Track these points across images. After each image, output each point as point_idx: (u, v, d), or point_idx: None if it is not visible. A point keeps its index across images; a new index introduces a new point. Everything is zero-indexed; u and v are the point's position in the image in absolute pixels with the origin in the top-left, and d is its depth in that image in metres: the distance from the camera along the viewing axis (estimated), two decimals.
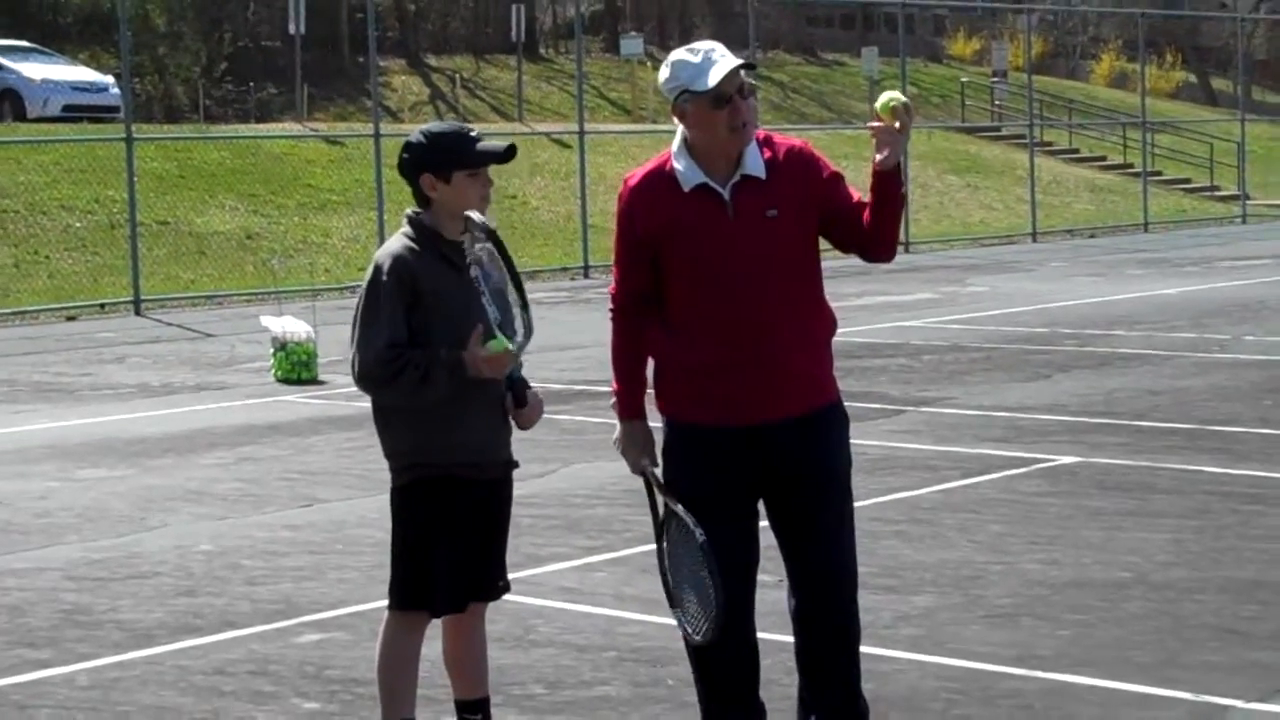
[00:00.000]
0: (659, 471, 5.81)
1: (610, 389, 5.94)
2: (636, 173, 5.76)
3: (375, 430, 6.03)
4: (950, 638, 7.66)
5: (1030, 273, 27.89)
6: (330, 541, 9.90)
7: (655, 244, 5.64)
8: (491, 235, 5.67)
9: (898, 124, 5.57)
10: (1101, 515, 10.10)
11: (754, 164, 5.64)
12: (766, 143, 5.71)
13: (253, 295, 25.25)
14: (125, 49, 26.48)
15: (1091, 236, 37.70)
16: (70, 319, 23.47)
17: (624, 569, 9.11)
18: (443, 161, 5.86)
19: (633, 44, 45.59)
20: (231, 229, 29.88)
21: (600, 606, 8.36)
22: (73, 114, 34.56)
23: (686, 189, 5.60)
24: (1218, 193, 46.67)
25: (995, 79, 53.38)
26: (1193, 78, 69.76)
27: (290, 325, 16.67)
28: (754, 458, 5.66)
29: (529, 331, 5.70)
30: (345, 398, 14.50)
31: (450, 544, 5.86)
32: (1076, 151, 49.38)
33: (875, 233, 5.69)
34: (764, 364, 5.61)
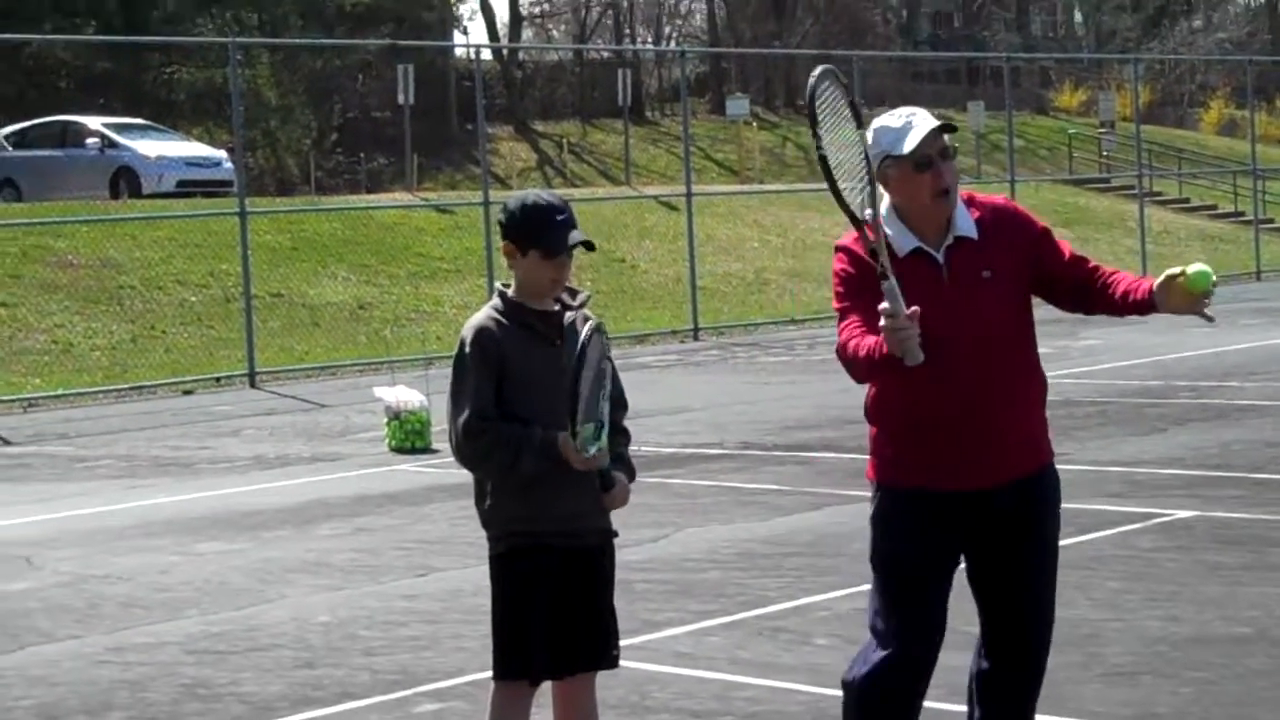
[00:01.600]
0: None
1: (862, 357, 5.60)
2: (844, 239, 5.72)
3: (474, 500, 6.09)
4: (1070, 696, 7.61)
5: (1142, 325, 27.67)
6: (446, 610, 9.95)
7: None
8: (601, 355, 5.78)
9: (1203, 299, 5.60)
10: (1220, 570, 10.01)
11: (965, 225, 5.67)
12: (971, 202, 5.74)
13: (366, 365, 25.43)
14: (237, 123, 26.81)
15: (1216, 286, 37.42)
16: (187, 393, 23.71)
17: (738, 633, 9.11)
18: (522, 236, 5.91)
19: (738, 105, 45.74)
20: (344, 299, 30.12)
21: (715, 671, 8.36)
22: (187, 189, 34.97)
23: (901, 255, 5.59)
24: None
25: (1102, 130, 53.14)
26: None
27: (403, 394, 16.79)
28: (970, 521, 5.70)
29: (597, 434, 5.76)
30: (458, 466, 14.53)
31: (544, 611, 5.89)
32: (1187, 201, 49.04)
33: (1105, 306, 5.75)
34: (983, 428, 5.64)
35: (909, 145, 5.55)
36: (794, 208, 40.86)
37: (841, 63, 53.69)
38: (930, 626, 5.78)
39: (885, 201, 5.67)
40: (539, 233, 5.87)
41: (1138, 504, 12.01)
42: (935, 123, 5.58)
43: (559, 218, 5.91)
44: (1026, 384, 5.76)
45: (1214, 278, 5.58)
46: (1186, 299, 5.57)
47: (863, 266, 5.55)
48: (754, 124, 51.44)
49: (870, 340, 5.51)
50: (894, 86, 63.14)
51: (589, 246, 5.94)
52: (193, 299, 28.67)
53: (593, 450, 5.72)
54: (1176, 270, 5.57)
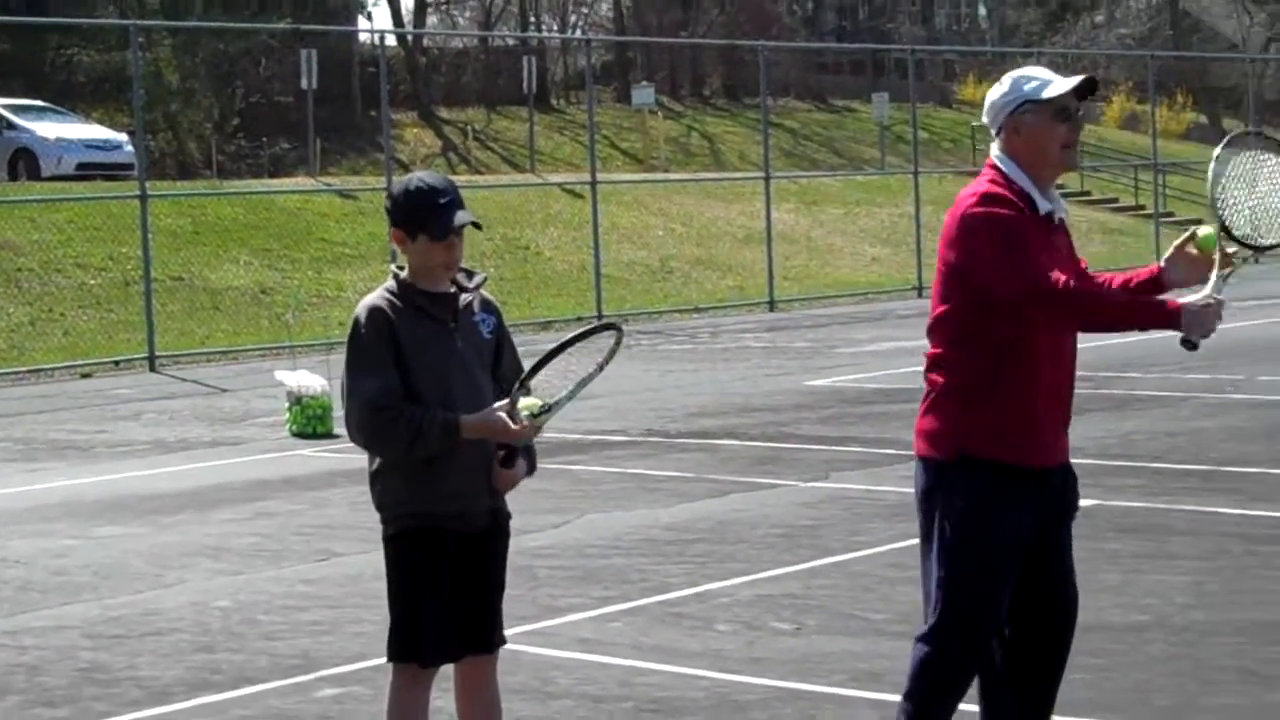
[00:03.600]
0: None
1: (1139, 324, 5.61)
2: (982, 189, 5.62)
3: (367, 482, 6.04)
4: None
5: None
6: (347, 595, 9.89)
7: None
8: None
9: (1216, 258, 5.66)
10: (1119, 558, 10.07)
11: (1060, 200, 5.75)
12: None
13: (267, 350, 25.28)
14: (138, 106, 26.58)
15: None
16: (85, 376, 23.49)
17: (641, 619, 9.09)
18: (407, 221, 5.86)
19: (644, 94, 45.72)
20: (245, 284, 29.94)
21: (618, 657, 8.34)
22: (87, 172, 34.66)
23: (1041, 212, 5.64)
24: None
25: None
26: (1203, 118, 69.81)
27: (305, 379, 16.69)
28: (1040, 498, 5.71)
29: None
30: (360, 450, 14.46)
31: (435, 594, 5.85)
32: (1088, 194, 49.40)
33: None
34: (1067, 404, 5.77)
35: (1052, 91, 5.63)
36: (699, 196, 40.91)
37: (747, 52, 53.84)
38: (1005, 612, 5.77)
39: (1002, 157, 5.66)
40: (425, 217, 5.82)
41: None
42: (1079, 78, 5.66)
43: (443, 200, 5.84)
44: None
45: (1216, 240, 5.68)
46: (1201, 263, 5.66)
47: (1019, 210, 5.54)
48: (659, 113, 51.44)
49: (1123, 295, 5.64)
50: (799, 77, 63.29)
51: (476, 226, 5.89)
52: (92, 282, 28.42)
53: (523, 416, 5.68)
54: (1183, 239, 5.69)
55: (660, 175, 45.24)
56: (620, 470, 14.05)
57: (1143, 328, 5.58)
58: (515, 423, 5.69)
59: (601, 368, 5.84)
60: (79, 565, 11.06)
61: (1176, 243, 5.74)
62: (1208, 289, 5.54)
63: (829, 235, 39.81)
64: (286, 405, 16.80)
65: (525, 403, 5.73)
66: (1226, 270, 5.64)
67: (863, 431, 15.32)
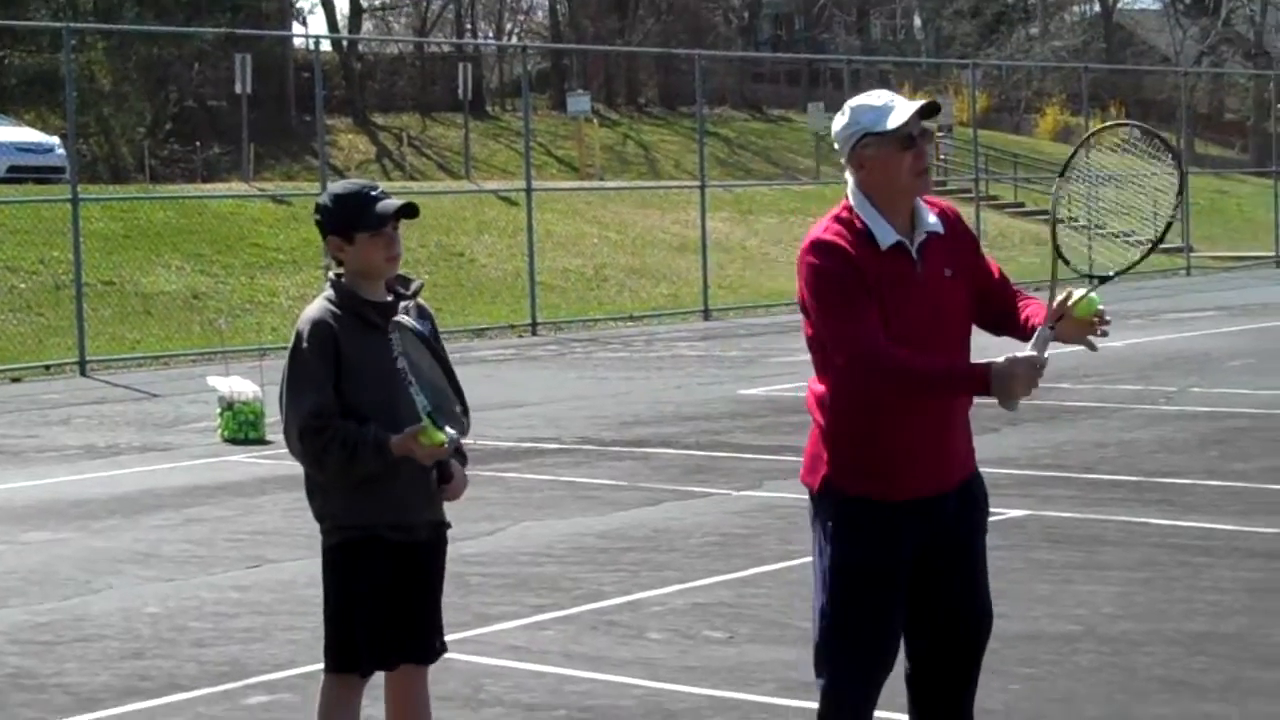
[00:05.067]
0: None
1: (946, 391, 5.50)
2: (820, 231, 5.52)
3: (306, 493, 6.01)
4: (900, 692, 7.62)
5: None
6: (278, 602, 9.84)
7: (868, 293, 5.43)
8: (425, 340, 5.62)
9: (1091, 327, 5.60)
10: (1050, 568, 10.11)
11: (931, 220, 5.56)
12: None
13: (199, 355, 25.14)
14: (71, 109, 26.41)
15: (1037, 289, 37.74)
16: (15, 381, 23.32)
17: (572, 627, 9.07)
18: (344, 223, 5.82)
19: (579, 101, 45.72)
20: (178, 289, 29.79)
21: (549, 665, 8.32)
22: (17, 175, 34.39)
23: (883, 247, 5.45)
24: (1162, 245, 46.84)
25: (940, 134, 53.61)
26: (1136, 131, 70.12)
27: (237, 385, 16.61)
28: (926, 525, 5.55)
29: (463, 430, 5.67)
30: (291, 457, 14.39)
31: (375, 604, 5.83)
32: (1022, 205, 49.63)
33: (1010, 328, 5.72)
34: (947, 432, 5.56)
35: (893, 122, 5.44)
36: (634, 205, 40.92)
37: (683, 61, 53.90)
38: (895, 639, 5.65)
39: (853, 191, 5.54)
40: (359, 213, 5.80)
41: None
42: (920, 103, 5.51)
43: (373, 193, 5.86)
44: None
45: (1099, 304, 5.58)
46: (1076, 326, 5.55)
47: (849, 261, 5.39)
48: (595, 121, 51.45)
49: (938, 361, 5.40)
50: (735, 87, 63.47)
51: (411, 210, 5.86)
52: (22, 285, 28.22)
53: (446, 436, 5.63)
54: (1062, 297, 5.54)
55: (595, 183, 45.24)
56: (554, 478, 14.03)
57: (956, 395, 5.49)
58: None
59: (445, 367, 5.72)
60: (6, 571, 10.97)
61: (1058, 299, 5.55)
62: (1028, 347, 5.42)
63: (764, 244, 39.87)
64: (218, 411, 16.70)
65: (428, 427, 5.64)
66: (1071, 301, 5.53)
67: (796, 441, 15.29)
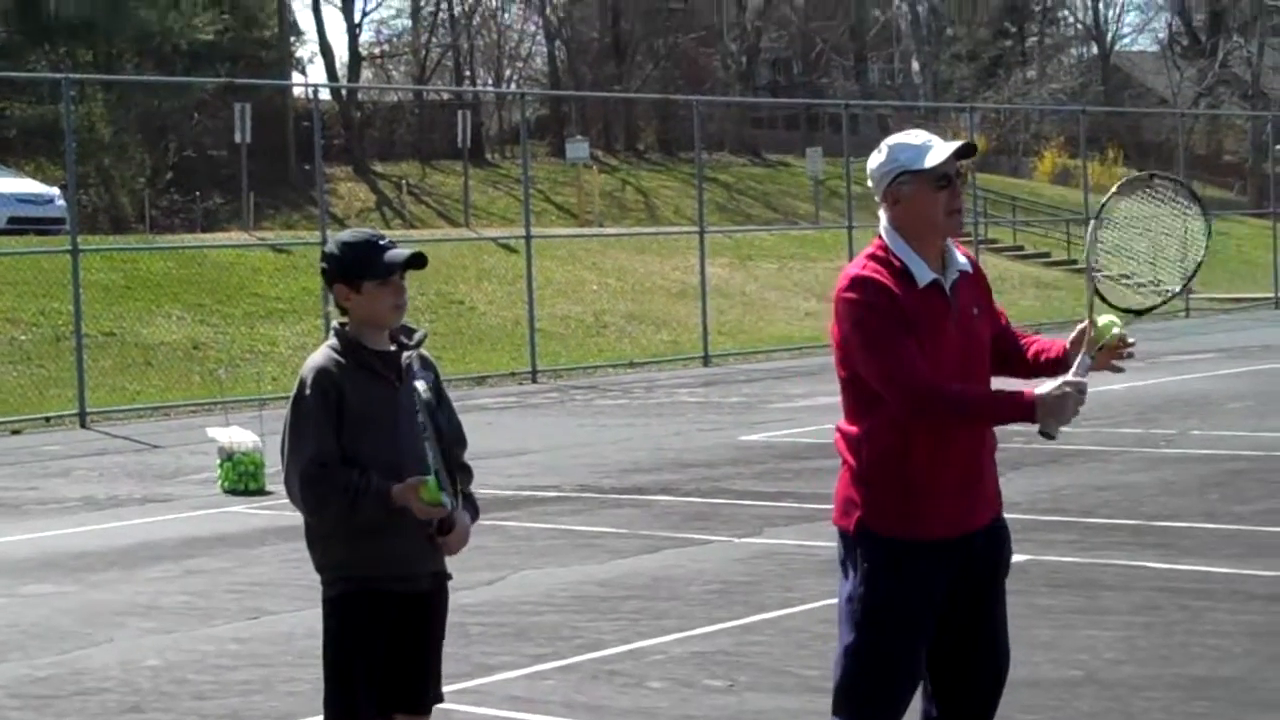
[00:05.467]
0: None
1: (996, 419, 5.57)
2: (858, 269, 5.58)
3: (306, 543, 6.01)
4: None
5: None
6: (279, 654, 9.82)
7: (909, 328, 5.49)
8: (419, 397, 5.63)
9: (1115, 350, 5.67)
10: (1051, 613, 10.09)
11: (962, 260, 5.67)
12: None
13: (199, 405, 25.14)
14: (71, 160, 26.44)
15: (1037, 332, 37.68)
16: (15, 433, 23.32)
17: (574, 676, 9.06)
18: (351, 271, 5.84)
19: (578, 148, 45.84)
20: (178, 339, 29.80)
21: (549, 715, 8.31)
22: (18, 226, 34.45)
23: (921, 284, 5.53)
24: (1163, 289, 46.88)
25: None
26: (1135, 173, 70.22)
27: (237, 435, 16.61)
28: (955, 566, 5.62)
29: (457, 501, 5.69)
30: (292, 508, 14.37)
31: (373, 655, 5.83)
32: (1021, 248, 49.71)
33: (1016, 368, 5.82)
34: (977, 470, 5.63)
35: (931, 161, 5.52)
36: (633, 251, 40.96)
37: (681, 107, 54.04)
38: (917, 681, 5.71)
39: (885, 226, 5.62)
40: (367, 262, 5.81)
41: None
42: (958, 143, 5.58)
43: (381, 242, 5.88)
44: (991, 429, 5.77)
45: (1119, 326, 5.63)
46: (1102, 352, 5.63)
47: (890, 297, 5.47)
48: (594, 167, 51.57)
49: (983, 390, 5.50)
50: (734, 131, 63.59)
51: (419, 260, 5.87)
52: (22, 337, 28.24)
53: (445, 501, 5.64)
54: (1084, 325, 5.64)
55: (594, 230, 45.29)
56: (553, 526, 14.02)
57: (1003, 423, 5.56)
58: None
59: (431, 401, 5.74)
60: (6, 624, 10.95)
61: (1080, 327, 5.67)
62: (1069, 374, 5.51)
63: (763, 290, 39.90)
64: (218, 462, 16.70)
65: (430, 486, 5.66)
66: (1103, 342, 5.60)
67: (797, 487, 15.33)
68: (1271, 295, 44.35)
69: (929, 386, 5.44)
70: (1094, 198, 46.84)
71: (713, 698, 8.58)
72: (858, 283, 5.53)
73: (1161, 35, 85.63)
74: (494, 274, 36.82)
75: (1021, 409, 5.44)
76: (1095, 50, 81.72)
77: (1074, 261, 46.97)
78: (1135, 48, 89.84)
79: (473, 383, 28.63)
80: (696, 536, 13.27)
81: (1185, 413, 20.13)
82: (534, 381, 29.20)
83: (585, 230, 45.15)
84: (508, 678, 9.09)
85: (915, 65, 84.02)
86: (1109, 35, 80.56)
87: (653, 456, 18.15)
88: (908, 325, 5.46)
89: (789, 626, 10.06)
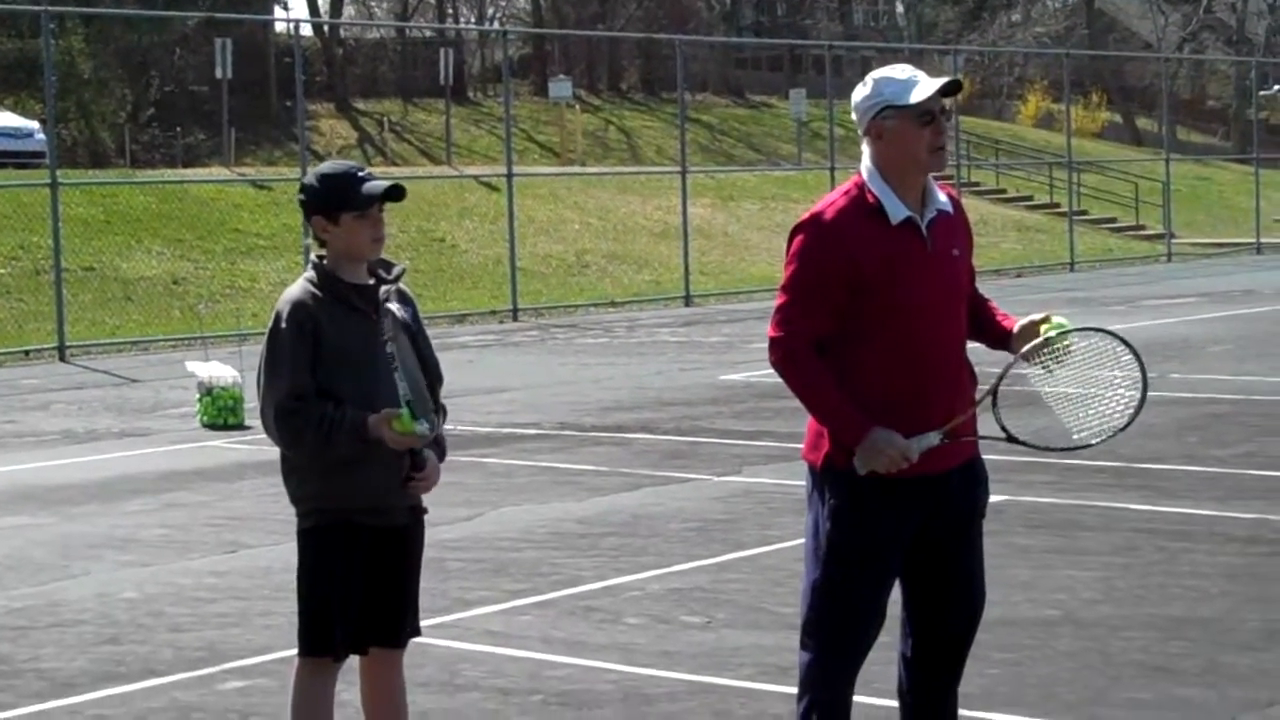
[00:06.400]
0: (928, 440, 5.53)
1: (820, 423, 5.58)
2: (825, 207, 5.55)
3: (281, 475, 5.98)
4: (878, 676, 7.61)
5: None
6: (256, 588, 9.81)
7: (857, 281, 5.44)
8: (407, 328, 5.60)
9: (1050, 340, 5.62)
10: (1030, 554, 10.10)
11: (942, 199, 5.61)
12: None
13: (179, 341, 25.09)
14: (50, 94, 26.30)
15: (1018, 276, 37.82)
16: None
17: (551, 612, 9.06)
18: (329, 203, 5.79)
19: (561, 87, 45.65)
20: (158, 274, 29.73)
21: (527, 650, 8.30)
22: None
23: (894, 222, 5.48)
24: (1143, 232, 47.00)
25: None
26: (1118, 118, 70.33)
27: (216, 370, 16.57)
28: (927, 505, 5.59)
29: (434, 428, 5.64)
30: (270, 442, 14.34)
31: (348, 589, 5.81)
32: (1003, 192, 49.65)
33: (972, 325, 5.76)
34: (949, 409, 5.56)
35: (916, 96, 5.46)
36: (615, 190, 40.89)
37: (665, 46, 53.85)
38: (883, 616, 5.70)
39: (866, 162, 5.57)
40: (345, 193, 5.77)
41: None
42: (943, 80, 5.52)
43: (360, 173, 5.84)
44: (970, 368, 5.72)
45: (1068, 330, 5.61)
46: (1036, 347, 5.62)
47: (835, 254, 5.44)
48: (577, 106, 51.39)
49: (834, 395, 5.46)
50: (717, 72, 63.41)
51: (398, 192, 5.83)
52: (1, 271, 28.15)
53: (420, 429, 5.60)
54: (1040, 317, 5.62)
55: (577, 169, 45.19)
56: (533, 464, 14.01)
57: (826, 427, 5.54)
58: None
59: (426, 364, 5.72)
60: None
61: (1033, 317, 5.64)
62: (920, 443, 5.45)
63: (745, 230, 39.86)
64: (197, 396, 16.67)
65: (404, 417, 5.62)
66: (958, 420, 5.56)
67: (776, 426, 15.32)
68: (1253, 240, 44.37)
69: (801, 356, 5.49)
70: (1076, 142, 46.87)
71: (689, 634, 8.58)
72: (816, 226, 5.53)
73: None
74: (475, 212, 36.74)
75: (849, 433, 5.45)
76: None
77: (1056, 205, 46.96)
78: None
79: (453, 320, 28.59)
80: (676, 475, 13.27)
81: (1165, 356, 20.13)
82: (515, 320, 29.17)
83: (567, 169, 45.05)
84: (485, 613, 9.08)
85: (899, 7, 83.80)
86: None
87: (633, 395, 18.14)
88: (845, 285, 5.43)
89: (766, 564, 10.06)
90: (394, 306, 5.65)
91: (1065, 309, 27.46)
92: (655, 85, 60.39)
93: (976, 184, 49.10)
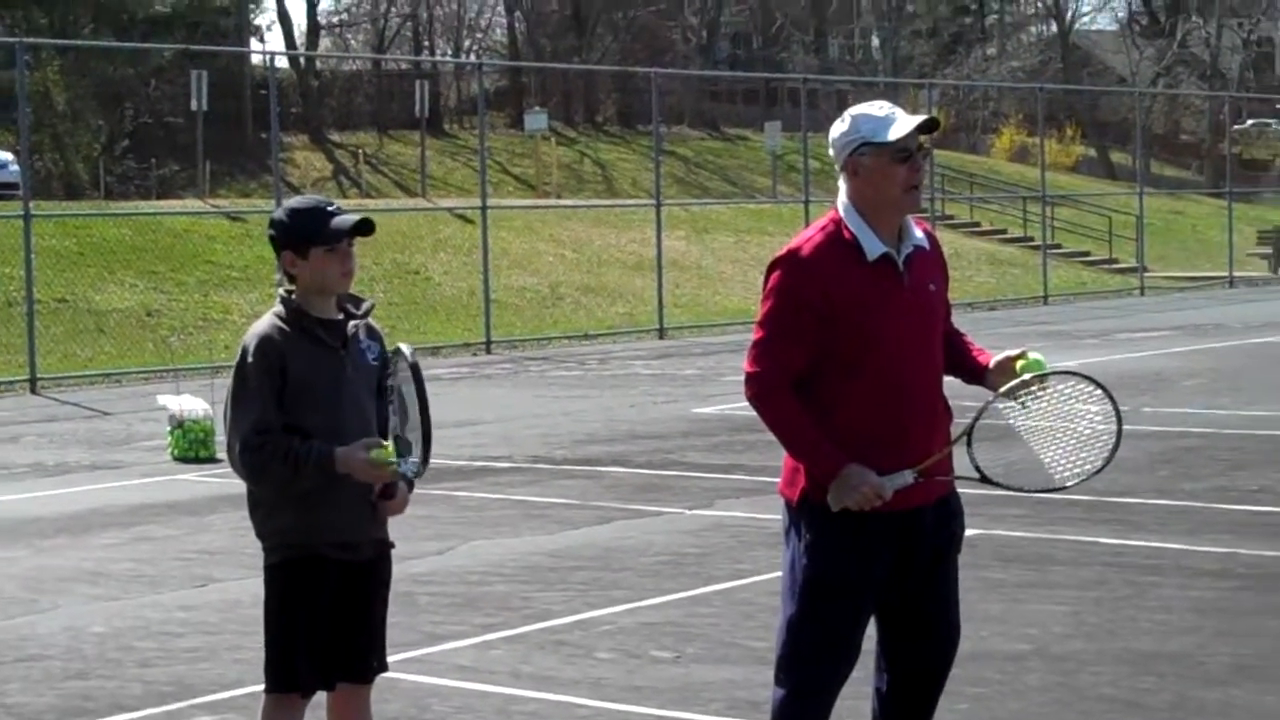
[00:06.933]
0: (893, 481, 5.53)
1: (796, 459, 5.58)
2: (802, 243, 5.55)
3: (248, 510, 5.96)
4: (849, 711, 7.61)
5: None
6: (225, 622, 9.77)
7: (833, 318, 5.44)
8: (414, 369, 5.60)
9: (1027, 381, 5.61)
10: (1002, 587, 10.10)
11: (918, 234, 5.61)
12: None
13: (151, 373, 25.02)
14: (24, 125, 26.27)
15: (992, 309, 37.89)
16: None
17: (521, 646, 9.03)
18: (299, 238, 5.79)
19: (536, 119, 45.69)
20: (131, 306, 29.67)
21: (497, 685, 8.27)
22: None
23: (871, 259, 5.48)
24: (1116, 265, 47.10)
25: None
26: (1092, 151, 70.51)
27: (187, 403, 16.54)
28: (903, 540, 5.58)
29: (423, 465, 5.64)
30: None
31: (315, 623, 5.79)
32: (978, 225, 49.74)
33: (947, 357, 5.76)
34: (927, 444, 5.57)
35: (894, 134, 5.46)
36: (589, 223, 40.91)
37: (640, 79, 53.90)
38: (857, 652, 5.68)
39: (844, 202, 5.57)
40: (315, 228, 5.77)
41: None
42: (921, 118, 5.52)
43: (329, 208, 5.84)
44: (946, 403, 5.72)
45: (1046, 368, 5.61)
46: (1016, 385, 5.62)
47: (811, 291, 5.45)
48: (552, 139, 51.43)
49: (811, 431, 5.46)
50: (692, 105, 63.48)
51: (367, 226, 5.82)
52: None
53: (401, 468, 5.61)
54: (1015, 353, 5.64)
55: (552, 201, 45.21)
56: (505, 497, 13.99)
57: (802, 462, 5.54)
58: None
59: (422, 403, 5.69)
60: None
61: (1008, 353, 5.65)
62: (894, 481, 5.45)
63: (719, 263, 39.89)
64: (169, 429, 16.63)
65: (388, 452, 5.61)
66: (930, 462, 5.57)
67: (749, 460, 15.32)
68: (1226, 274, 44.50)
69: (777, 394, 5.51)
70: (1051, 175, 47.00)
71: (660, 669, 8.56)
72: (793, 263, 5.53)
73: (1121, 14, 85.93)
74: (450, 244, 36.73)
75: (822, 467, 5.47)
76: (1055, 28, 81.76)
77: (1030, 239, 47.05)
78: (1095, 26, 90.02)
79: (427, 353, 28.54)
80: (648, 508, 13.25)
81: (1139, 390, 20.16)
82: (488, 352, 29.15)
83: (542, 201, 45.06)
84: (455, 647, 9.05)
85: (875, 41, 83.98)
86: (1069, 13, 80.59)
87: (606, 428, 18.13)
88: (821, 321, 5.43)
89: (738, 598, 10.05)
90: (407, 349, 5.65)
91: (1039, 342, 27.51)
92: (631, 118, 60.45)
93: (951, 217, 49.19)
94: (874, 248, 5.49)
